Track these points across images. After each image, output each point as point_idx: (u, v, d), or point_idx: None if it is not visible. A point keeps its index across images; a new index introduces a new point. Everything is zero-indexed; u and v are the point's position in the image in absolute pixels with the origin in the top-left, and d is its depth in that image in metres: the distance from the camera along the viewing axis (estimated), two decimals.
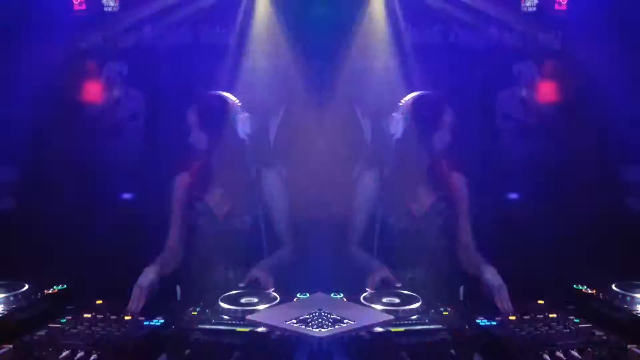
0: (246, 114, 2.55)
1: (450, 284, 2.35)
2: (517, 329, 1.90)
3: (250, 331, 1.85)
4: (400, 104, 2.54)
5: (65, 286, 2.33)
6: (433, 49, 3.27)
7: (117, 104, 3.31)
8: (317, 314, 1.88)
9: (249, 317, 1.92)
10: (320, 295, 2.12)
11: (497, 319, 2.00)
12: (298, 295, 2.18)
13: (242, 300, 2.07)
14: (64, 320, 1.98)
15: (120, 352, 1.78)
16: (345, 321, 1.83)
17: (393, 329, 1.84)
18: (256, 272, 2.28)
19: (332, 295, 2.16)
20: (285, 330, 1.81)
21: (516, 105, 3.33)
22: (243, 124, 2.54)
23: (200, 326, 1.89)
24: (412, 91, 2.58)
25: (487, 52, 3.28)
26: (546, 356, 1.72)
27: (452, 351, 1.80)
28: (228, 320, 1.95)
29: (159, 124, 3.29)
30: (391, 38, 3.22)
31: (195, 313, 2.00)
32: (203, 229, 2.55)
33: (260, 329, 1.85)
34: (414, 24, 3.27)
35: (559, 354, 1.74)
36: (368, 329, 1.83)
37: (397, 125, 2.51)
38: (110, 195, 3.26)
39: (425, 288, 2.34)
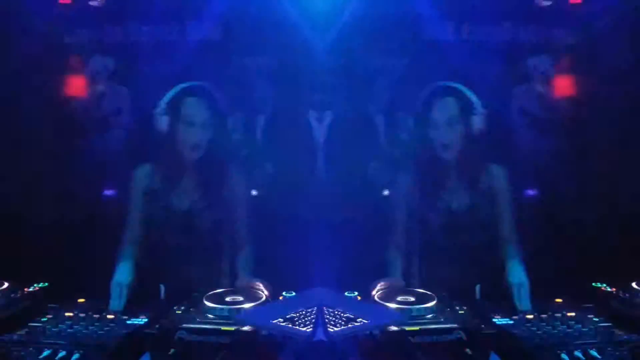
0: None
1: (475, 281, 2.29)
2: (535, 328, 1.88)
3: (235, 330, 1.82)
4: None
5: (46, 284, 2.29)
6: (447, 45, 3.22)
7: (102, 99, 3.27)
8: (304, 312, 1.87)
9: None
10: (315, 291, 2.08)
11: (513, 317, 1.96)
12: (284, 293, 2.16)
13: (227, 299, 2.05)
14: (45, 319, 1.95)
15: (103, 351, 1.75)
16: (359, 320, 1.81)
17: (408, 328, 1.81)
18: (251, 282, 2.24)
19: (346, 293, 2.14)
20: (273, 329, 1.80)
21: (532, 101, 3.30)
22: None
23: (185, 325, 1.86)
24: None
25: (502, 47, 3.23)
26: (564, 356, 1.70)
27: (468, 350, 1.77)
28: (213, 319, 1.92)
29: (143, 120, 3.25)
30: (405, 34, 3.19)
31: (180, 312, 1.97)
32: (167, 227, 2.48)
33: (246, 328, 1.83)
34: (428, 20, 3.22)
35: (578, 353, 1.71)
36: (380, 328, 1.81)
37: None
38: (92, 191, 3.22)
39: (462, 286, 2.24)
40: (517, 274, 2.14)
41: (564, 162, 3.22)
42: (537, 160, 3.26)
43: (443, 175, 2.46)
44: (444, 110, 2.40)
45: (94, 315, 1.98)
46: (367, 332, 1.80)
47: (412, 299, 2.04)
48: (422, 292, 2.10)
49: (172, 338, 1.82)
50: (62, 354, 1.72)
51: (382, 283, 2.20)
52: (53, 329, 1.86)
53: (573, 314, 1.96)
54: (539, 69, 3.27)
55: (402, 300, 2.03)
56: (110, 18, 3.22)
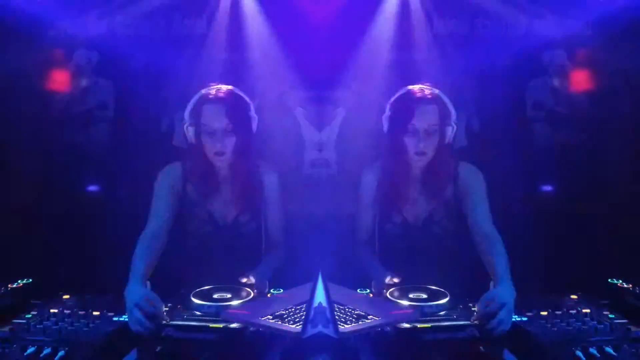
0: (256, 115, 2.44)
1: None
2: (549, 325, 1.84)
3: (223, 327, 1.81)
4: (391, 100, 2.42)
5: (30, 280, 2.25)
6: (461, 39, 3.19)
7: (86, 93, 3.22)
8: (293, 309, 1.86)
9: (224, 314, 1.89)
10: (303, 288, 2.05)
11: (527, 314, 1.93)
12: (272, 290, 2.16)
13: (215, 296, 2.04)
14: (29, 316, 1.91)
15: (89, 348, 1.73)
16: (370, 317, 1.81)
17: (420, 325, 1.80)
18: (252, 277, 2.19)
19: (358, 290, 2.13)
20: (260, 326, 1.79)
21: (547, 95, 3.25)
22: (254, 123, 2.43)
23: (172, 322, 1.85)
24: (437, 83, 2.43)
25: (517, 40, 3.19)
26: (579, 353, 1.68)
27: (481, 347, 1.76)
28: (200, 316, 1.91)
29: (128, 115, 3.22)
30: (418, 29, 3.15)
31: (167, 309, 1.95)
32: (206, 238, 2.43)
33: (234, 325, 1.82)
34: (441, 14, 3.19)
35: (593, 350, 1.69)
36: (391, 325, 1.80)
37: (385, 122, 2.41)
38: (77, 186, 3.18)
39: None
40: (501, 293, 1.89)
41: (579, 156, 3.18)
42: (552, 154, 3.22)
43: (408, 182, 2.42)
44: (426, 117, 2.30)
45: (80, 312, 1.95)
46: (379, 329, 1.79)
47: (425, 296, 2.02)
48: (435, 289, 2.08)
49: (159, 335, 1.81)
50: (47, 351, 1.70)
51: (388, 278, 2.15)
52: (37, 326, 1.82)
53: (588, 310, 1.92)
54: (554, 63, 3.22)
55: (415, 297, 2.01)
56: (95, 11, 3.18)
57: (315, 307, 1.71)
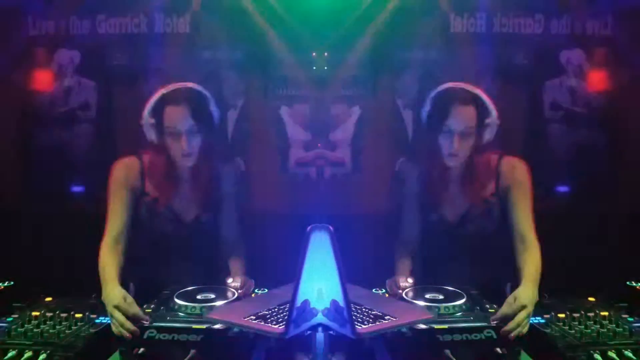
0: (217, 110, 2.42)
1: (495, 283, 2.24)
2: (567, 327, 1.83)
3: (206, 328, 1.80)
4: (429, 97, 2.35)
5: (12, 282, 2.24)
6: (477, 38, 3.15)
7: (68, 93, 3.19)
8: (277, 309, 1.86)
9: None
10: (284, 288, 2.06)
11: (545, 316, 1.91)
12: (256, 290, 2.16)
13: (199, 297, 2.03)
14: (11, 319, 1.89)
15: (71, 350, 1.72)
16: (387, 317, 1.80)
17: (436, 326, 1.78)
18: (238, 278, 2.21)
19: (374, 290, 2.13)
20: (245, 327, 1.79)
21: (564, 95, 3.22)
22: (217, 118, 2.39)
23: (155, 323, 1.84)
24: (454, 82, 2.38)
25: (534, 40, 3.15)
26: (598, 356, 1.67)
27: (498, 349, 1.76)
28: (184, 317, 1.90)
29: (111, 115, 3.19)
30: (434, 27, 3.13)
31: (150, 310, 1.94)
32: (166, 236, 2.38)
33: (217, 326, 1.82)
34: (457, 13, 3.16)
35: (612, 354, 1.68)
36: (408, 326, 1.79)
37: (423, 116, 2.34)
38: (58, 187, 3.15)
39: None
40: (523, 295, 1.89)
41: (597, 156, 3.16)
42: (569, 155, 3.19)
43: (443, 182, 2.35)
44: (461, 119, 2.21)
45: (62, 314, 1.93)
46: (396, 330, 1.78)
47: (441, 296, 2.01)
48: (452, 290, 2.06)
49: (141, 337, 1.80)
50: (28, 354, 1.68)
51: (401, 279, 2.15)
52: (19, 329, 1.81)
53: (606, 313, 1.90)
54: (572, 62, 3.20)
55: (431, 298, 2.00)
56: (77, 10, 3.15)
57: (299, 307, 1.71)
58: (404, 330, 1.79)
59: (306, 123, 3.20)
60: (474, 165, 2.31)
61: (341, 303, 1.68)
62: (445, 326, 1.79)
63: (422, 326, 1.79)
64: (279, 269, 1.98)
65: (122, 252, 2.20)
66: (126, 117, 3.07)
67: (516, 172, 2.32)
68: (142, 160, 2.36)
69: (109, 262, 2.11)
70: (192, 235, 2.40)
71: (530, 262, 2.09)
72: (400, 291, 2.08)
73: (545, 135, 3.21)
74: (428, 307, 1.93)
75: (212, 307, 1.94)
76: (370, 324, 1.76)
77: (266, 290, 2.16)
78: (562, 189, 3.22)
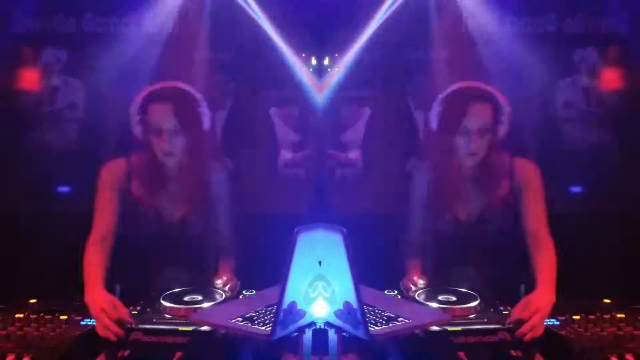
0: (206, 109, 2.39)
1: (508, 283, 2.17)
2: (582, 329, 1.79)
3: (193, 330, 1.79)
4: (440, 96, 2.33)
5: None
6: (490, 37, 3.14)
7: (55, 92, 3.17)
8: (264, 311, 1.85)
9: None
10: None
11: (559, 318, 1.88)
12: (244, 292, 2.14)
13: (185, 299, 2.01)
14: None
15: (55, 353, 1.69)
16: (400, 319, 1.79)
17: (450, 328, 1.78)
18: (224, 278, 2.18)
19: (386, 291, 2.11)
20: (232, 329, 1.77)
21: (578, 94, 3.21)
22: (205, 119, 2.36)
23: (141, 326, 1.82)
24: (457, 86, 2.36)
25: (547, 39, 3.14)
26: (614, 359, 1.65)
27: (513, 351, 1.74)
28: (170, 319, 1.88)
29: (98, 115, 3.17)
30: (445, 27, 3.10)
31: (136, 312, 1.93)
32: (153, 237, 2.35)
33: (204, 328, 1.80)
34: (469, 12, 3.14)
35: (629, 357, 1.64)
36: (422, 327, 1.78)
37: (433, 119, 2.32)
38: (44, 187, 3.12)
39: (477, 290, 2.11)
40: (537, 298, 1.88)
41: (610, 156, 3.15)
42: (583, 154, 3.18)
43: (456, 183, 2.33)
44: (479, 117, 2.20)
45: (46, 316, 1.91)
46: (409, 332, 1.77)
47: (454, 298, 2.00)
48: (465, 292, 2.05)
49: (127, 339, 1.78)
50: (11, 357, 1.66)
51: (415, 276, 2.13)
52: (1, 332, 1.78)
53: (623, 315, 1.86)
54: (585, 61, 3.19)
55: (444, 299, 1.99)
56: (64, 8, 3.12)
57: (285, 308, 1.70)
58: (417, 332, 1.77)
59: (295, 125, 3.19)
60: (488, 165, 2.29)
61: (354, 305, 1.67)
62: (459, 328, 1.78)
63: (436, 328, 1.78)
64: (269, 270, 1.98)
65: (107, 253, 2.18)
66: (114, 118, 3.04)
67: (528, 173, 2.32)
68: (129, 161, 2.34)
69: (93, 262, 2.09)
70: (178, 236, 2.37)
71: (546, 263, 2.08)
72: (414, 288, 2.08)
73: (558, 135, 3.19)
74: (441, 310, 1.92)
75: (199, 309, 1.93)
76: (383, 326, 1.76)
77: (253, 291, 2.14)
78: (576, 188, 3.20)
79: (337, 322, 1.77)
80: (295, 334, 1.76)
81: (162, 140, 2.23)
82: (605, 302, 2.04)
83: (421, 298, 2.03)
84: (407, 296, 2.09)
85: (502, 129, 2.27)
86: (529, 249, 2.19)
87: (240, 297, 2.10)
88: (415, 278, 2.16)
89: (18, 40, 3.10)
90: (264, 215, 2.64)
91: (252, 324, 1.77)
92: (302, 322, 1.78)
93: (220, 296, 2.05)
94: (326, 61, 3.15)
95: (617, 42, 3.12)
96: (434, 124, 2.34)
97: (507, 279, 2.19)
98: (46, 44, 3.13)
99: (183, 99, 2.30)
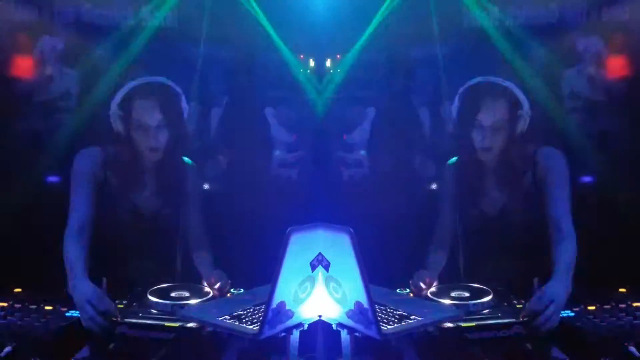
0: (190, 103, 2.40)
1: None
2: (598, 320, 1.78)
3: (179, 326, 1.78)
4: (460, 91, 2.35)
5: None
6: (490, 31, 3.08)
7: (50, 81, 3.14)
8: (252, 310, 1.84)
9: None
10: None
11: (574, 309, 1.86)
12: (232, 290, 2.13)
13: (173, 294, 2.00)
14: None
15: (38, 344, 1.67)
16: (412, 317, 1.78)
17: (464, 324, 1.77)
18: (215, 278, 2.16)
19: (398, 290, 2.11)
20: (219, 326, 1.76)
21: (584, 84, 3.15)
22: (187, 114, 2.38)
23: (126, 319, 1.81)
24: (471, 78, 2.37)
25: (549, 29, 3.08)
26: (632, 348, 1.63)
27: (528, 345, 1.73)
28: (156, 314, 1.87)
29: (91, 106, 3.14)
30: (445, 23, 3.06)
31: (122, 306, 1.91)
32: (126, 228, 2.35)
33: (191, 324, 1.79)
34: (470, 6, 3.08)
35: None
36: (435, 324, 1.77)
37: (453, 113, 2.34)
38: (34, 177, 3.09)
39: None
40: (551, 289, 1.85)
41: (619, 145, 3.09)
42: (591, 144, 3.10)
43: (479, 177, 2.34)
44: (492, 113, 2.22)
45: (31, 306, 1.89)
46: (422, 329, 1.77)
47: (467, 294, 1.99)
48: (478, 287, 2.03)
49: (112, 332, 1.77)
50: None
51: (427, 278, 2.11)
52: None
53: (639, 304, 1.86)
54: (589, 51, 3.12)
55: (457, 295, 1.98)
56: None
57: (274, 308, 1.69)
58: (430, 329, 1.77)
59: (290, 124, 3.18)
60: (508, 159, 2.30)
61: (365, 304, 1.66)
62: (473, 324, 1.77)
63: (449, 324, 1.78)
64: (260, 269, 1.97)
65: (87, 244, 2.15)
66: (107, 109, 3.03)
67: (552, 161, 2.30)
68: (105, 151, 2.32)
69: (74, 253, 2.07)
70: (153, 230, 2.37)
71: (565, 253, 2.05)
72: (425, 287, 2.07)
73: (565, 126, 3.11)
74: (455, 306, 1.90)
75: (186, 305, 1.91)
76: (395, 324, 1.75)
77: (242, 290, 2.13)
78: (585, 178, 3.14)
79: (349, 322, 1.76)
80: (283, 334, 1.75)
81: (148, 136, 2.24)
82: (620, 291, 2.02)
83: (433, 295, 2.02)
84: (418, 294, 2.07)
85: (521, 125, 2.28)
86: (551, 237, 2.16)
87: (229, 295, 2.09)
88: (425, 277, 2.13)
89: (15, 28, 3.06)
90: (256, 214, 2.62)
91: (240, 323, 1.76)
92: (290, 322, 1.77)
93: (208, 294, 2.04)
94: (328, 63, 3.14)
95: (620, 29, 3.05)
96: (453, 117, 2.36)
97: (531, 273, 2.10)
98: (43, 32, 3.09)
99: (167, 94, 2.31)
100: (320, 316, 1.83)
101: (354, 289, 1.69)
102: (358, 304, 1.69)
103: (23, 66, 3.12)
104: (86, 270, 2.00)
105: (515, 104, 2.27)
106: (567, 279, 1.95)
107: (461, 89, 2.35)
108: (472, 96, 2.29)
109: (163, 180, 2.36)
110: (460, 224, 2.42)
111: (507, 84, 2.30)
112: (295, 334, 1.77)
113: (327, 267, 1.74)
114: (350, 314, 1.75)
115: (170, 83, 2.36)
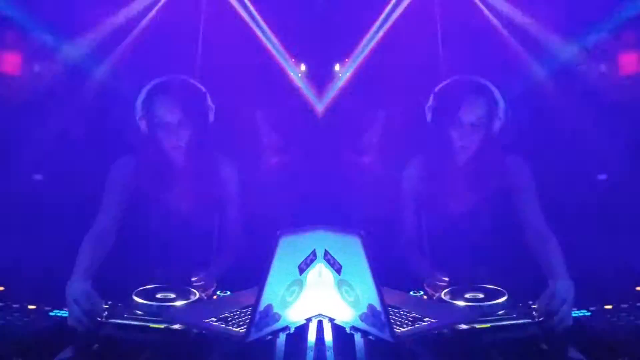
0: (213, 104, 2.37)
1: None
2: (615, 319, 1.77)
3: (164, 328, 1.76)
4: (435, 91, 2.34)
5: None
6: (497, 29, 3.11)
7: (38, 77, 3.11)
8: (238, 312, 1.82)
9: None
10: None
11: (591, 308, 1.85)
12: (218, 292, 2.11)
13: (158, 296, 1.98)
14: None
15: (20, 343, 1.65)
16: (426, 319, 1.77)
17: (478, 326, 1.76)
18: (203, 276, 2.14)
19: (411, 292, 2.09)
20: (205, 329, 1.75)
21: (595, 81, 3.14)
22: (211, 115, 2.37)
23: (111, 320, 1.79)
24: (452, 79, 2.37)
25: (557, 27, 3.08)
26: None
27: (544, 346, 1.71)
28: (141, 315, 1.85)
29: (79, 103, 3.12)
30: (453, 22, 3.08)
31: (107, 306, 1.88)
32: (159, 233, 2.34)
33: (176, 326, 1.77)
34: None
35: None
36: (449, 326, 1.75)
37: (428, 112, 2.34)
38: (20, 175, 3.06)
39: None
40: (561, 289, 1.84)
41: (633, 143, 3.06)
42: (605, 142, 3.08)
43: (451, 175, 2.33)
44: (472, 111, 2.23)
45: (13, 305, 1.86)
46: (436, 332, 1.75)
47: (481, 295, 1.97)
48: (493, 288, 2.01)
49: (97, 333, 1.74)
50: None
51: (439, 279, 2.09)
52: None
53: None
54: (599, 47, 3.13)
55: (471, 297, 1.96)
56: None
57: (261, 311, 1.67)
58: (445, 331, 1.76)
59: (282, 128, 3.18)
60: (480, 160, 2.30)
61: (378, 307, 1.65)
62: (488, 325, 1.77)
63: (464, 326, 1.77)
64: (247, 273, 1.96)
65: (103, 249, 2.14)
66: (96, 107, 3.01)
67: (518, 170, 2.32)
68: (137, 157, 2.34)
69: (85, 253, 2.05)
70: (184, 234, 2.35)
71: (555, 251, 2.06)
72: (444, 284, 2.05)
73: (577, 124, 3.11)
74: (469, 308, 1.89)
75: (171, 307, 1.89)
76: (409, 327, 1.74)
77: (228, 292, 2.12)
78: (599, 177, 3.15)
79: (363, 325, 1.74)
80: (270, 337, 1.74)
81: (169, 133, 2.23)
82: (637, 290, 2.01)
83: (448, 297, 2.00)
84: (434, 294, 2.05)
85: (497, 124, 2.28)
86: (532, 245, 2.16)
87: (215, 297, 2.08)
88: (439, 277, 2.11)
89: (3, 23, 3.03)
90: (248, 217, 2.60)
91: (226, 325, 1.74)
92: (277, 325, 1.75)
93: (194, 295, 2.02)
94: (337, 67, 3.15)
95: (630, 24, 3.05)
96: (428, 117, 2.35)
97: (499, 275, 2.16)
98: (33, 27, 3.07)
99: (189, 91, 2.30)
100: (308, 320, 1.82)
101: (366, 292, 1.68)
102: (371, 306, 1.68)
103: (10, 62, 3.10)
104: (88, 272, 1.97)
105: (493, 103, 2.27)
106: (568, 276, 1.94)
107: (437, 88, 2.35)
108: (451, 93, 2.28)
109: (192, 181, 2.34)
110: (425, 227, 2.42)
111: (486, 82, 2.30)
112: (282, 337, 1.76)
113: (339, 271, 1.73)
114: (363, 317, 1.73)
115: (194, 82, 2.35)
